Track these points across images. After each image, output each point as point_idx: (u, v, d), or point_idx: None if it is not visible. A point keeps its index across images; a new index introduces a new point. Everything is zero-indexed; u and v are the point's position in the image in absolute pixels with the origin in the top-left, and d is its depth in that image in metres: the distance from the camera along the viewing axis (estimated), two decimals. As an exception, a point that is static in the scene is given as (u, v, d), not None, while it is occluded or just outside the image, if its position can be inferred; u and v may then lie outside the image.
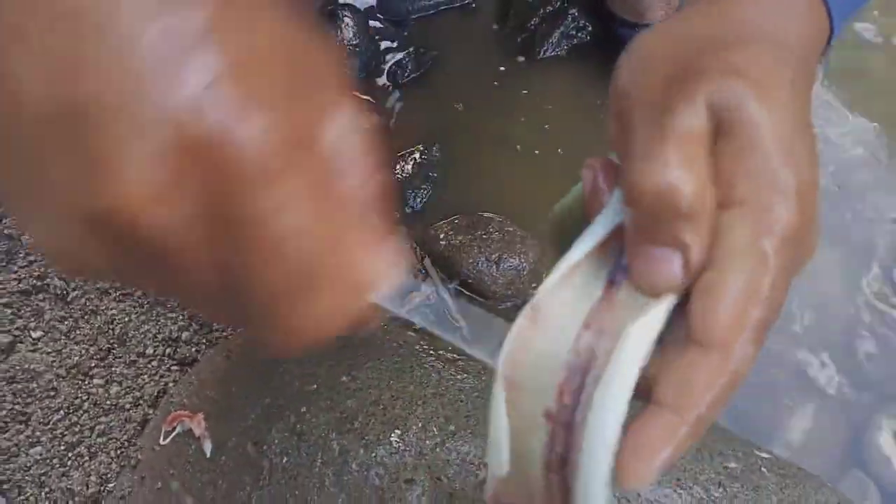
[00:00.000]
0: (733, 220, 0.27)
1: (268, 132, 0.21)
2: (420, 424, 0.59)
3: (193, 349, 0.77)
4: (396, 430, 0.59)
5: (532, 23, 1.00)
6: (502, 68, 0.99)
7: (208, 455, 0.64)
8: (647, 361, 0.26)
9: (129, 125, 0.20)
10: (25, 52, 0.20)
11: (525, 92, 0.96)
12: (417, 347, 0.69)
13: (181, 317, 0.78)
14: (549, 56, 0.99)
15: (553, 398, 0.27)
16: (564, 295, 0.29)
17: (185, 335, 0.77)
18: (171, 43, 0.20)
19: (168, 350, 0.77)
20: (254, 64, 0.21)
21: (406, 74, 0.98)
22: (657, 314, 0.27)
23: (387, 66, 1.00)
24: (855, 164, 0.92)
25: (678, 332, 0.27)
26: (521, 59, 0.99)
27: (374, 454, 0.58)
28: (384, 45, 1.02)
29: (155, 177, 0.20)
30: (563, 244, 0.31)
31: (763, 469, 0.62)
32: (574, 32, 0.98)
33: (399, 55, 1.00)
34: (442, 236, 0.86)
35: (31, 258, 0.79)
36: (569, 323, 0.28)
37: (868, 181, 0.90)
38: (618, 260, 0.29)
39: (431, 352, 0.68)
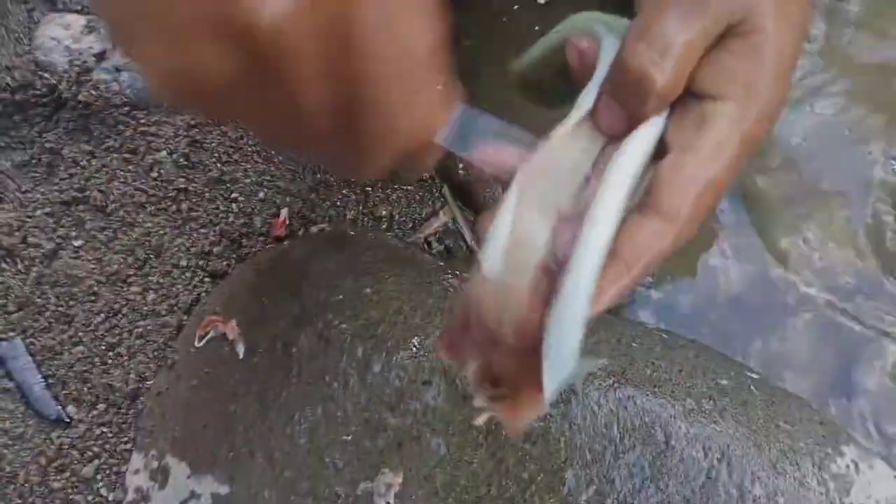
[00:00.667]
0: (719, 112, 0.32)
1: None
2: (438, 333, 0.64)
3: (224, 263, 0.82)
4: (416, 338, 0.64)
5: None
6: (515, 6, 1.01)
7: (241, 356, 0.70)
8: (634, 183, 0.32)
9: None
10: None
11: (537, 28, 0.98)
12: (435, 267, 0.73)
13: (213, 232, 0.83)
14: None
15: (555, 219, 0.32)
16: (573, 145, 0.34)
17: (216, 250, 0.82)
18: None
19: (201, 262, 0.82)
20: None
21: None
22: (636, 150, 0.33)
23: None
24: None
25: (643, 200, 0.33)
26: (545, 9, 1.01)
27: (394, 358, 0.64)
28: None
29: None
30: (543, 93, 0.37)
31: (752, 387, 0.67)
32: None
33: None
34: (460, 167, 0.90)
35: (72, 171, 0.84)
36: (578, 164, 0.33)
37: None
38: None
39: (448, 271, 0.72)
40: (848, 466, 0.64)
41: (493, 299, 0.33)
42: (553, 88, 0.37)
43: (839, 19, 0.91)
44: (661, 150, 0.34)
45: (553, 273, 0.32)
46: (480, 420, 0.37)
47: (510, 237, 0.33)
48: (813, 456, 0.63)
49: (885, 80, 0.88)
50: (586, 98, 0.35)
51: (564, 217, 0.32)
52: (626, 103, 0.33)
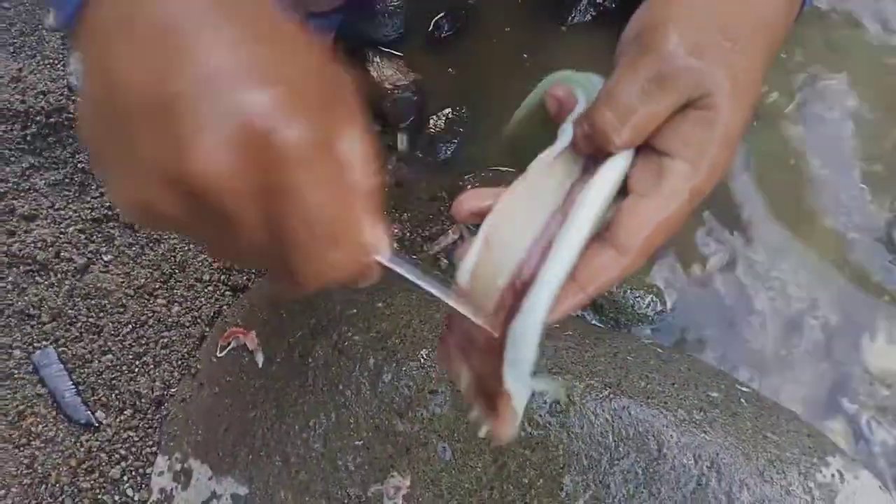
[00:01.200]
0: (674, 169, 0.38)
1: (303, 130, 0.29)
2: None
3: (244, 278, 0.87)
4: (424, 350, 0.68)
5: (566, -13, 1.06)
6: (532, 32, 1.06)
7: (260, 365, 0.74)
8: (599, 212, 0.38)
9: (205, 117, 0.28)
10: (127, 55, 0.28)
11: (553, 56, 1.03)
12: (445, 282, 0.78)
13: (234, 248, 0.88)
14: (577, 22, 1.05)
15: (526, 246, 0.38)
16: (548, 179, 0.39)
17: (237, 266, 0.87)
18: (239, 65, 0.28)
19: (222, 277, 0.86)
20: (297, 85, 0.30)
21: (442, 34, 1.05)
22: (607, 178, 0.38)
23: (424, 26, 1.07)
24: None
25: (603, 232, 0.39)
26: (551, 23, 1.06)
27: (403, 368, 0.68)
28: (423, 5, 1.09)
29: (222, 155, 0.28)
30: (528, 142, 0.43)
31: (742, 400, 0.71)
32: (600, 1, 1.05)
33: (437, 15, 1.07)
34: (469, 188, 0.95)
35: (102, 190, 0.89)
36: (549, 199, 0.39)
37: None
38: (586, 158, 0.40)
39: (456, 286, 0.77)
40: (833, 476, 0.67)
41: (466, 312, 0.39)
42: (538, 138, 0.43)
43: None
44: (623, 190, 0.40)
45: (517, 291, 0.37)
46: (482, 433, 0.41)
47: (481, 258, 0.39)
48: (799, 465, 0.67)
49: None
50: (562, 137, 0.40)
51: (535, 240, 0.38)
52: (591, 147, 0.39)
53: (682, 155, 0.38)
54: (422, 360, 0.68)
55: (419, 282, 0.40)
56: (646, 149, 0.39)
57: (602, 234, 0.39)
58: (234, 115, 0.28)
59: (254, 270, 0.87)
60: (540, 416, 0.66)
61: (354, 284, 0.36)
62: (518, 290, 0.37)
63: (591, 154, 0.40)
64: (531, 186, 0.40)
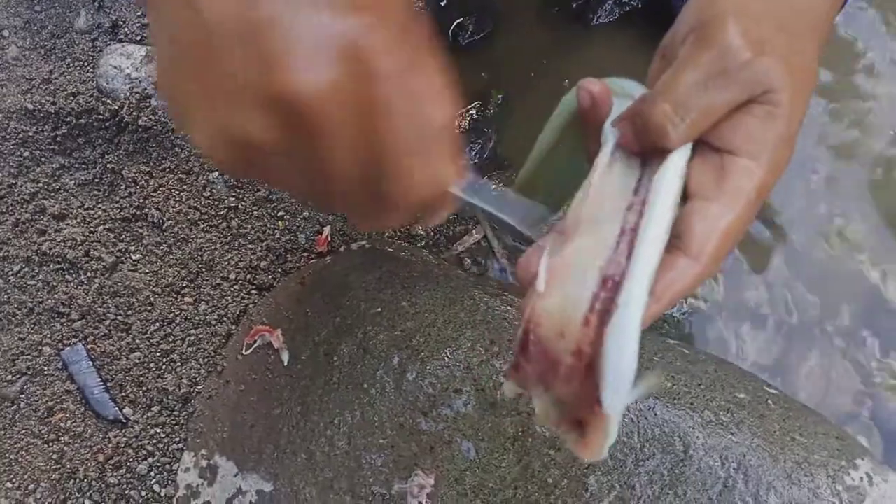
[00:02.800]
0: (737, 166, 0.37)
1: (396, 49, 0.30)
2: (468, 345, 0.69)
3: (270, 277, 0.87)
4: (448, 349, 0.69)
5: (587, -11, 1.06)
6: (557, 33, 1.05)
7: (285, 363, 0.75)
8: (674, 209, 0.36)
9: (300, 37, 0.29)
10: None
11: (578, 57, 1.03)
12: (467, 283, 0.78)
13: (260, 248, 0.88)
14: (602, 23, 1.05)
15: (605, 257, 0.36)
16: (611, 178, 0.38)
17: (262, 264, 0.88)
18: None
19: (248, 276, 0.87)
20: (386, 12, 0.31)
21: (467, 36, 1.06)
22: (671, 174, 0.37)
23: (449, 28, 1.07)
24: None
25: (672, 240, 0.37)
26: (576, 24, 1.06)
27: (428, 367, 0.68)
28: (447, 7, 1.09)
29: (319, 72, 0.29)
30: (558, 173, 0.42)
31: (769, 402, 0.70)
32: (627, 1, 1.04)
33: (460, 17, 1.07)
34: (493, 189, 0.95)
35: (131, 190, 0.90)
36: (621, 193, 0.38)
37: None
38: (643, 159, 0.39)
39: (479, 286, 0.77)
40: (862, 479, 0.67)
41: (551, 320, 0.36)
42: (569, 165, 0.42)
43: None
44: (683, 195, 0.38)
45: (608, 290, 0.35)
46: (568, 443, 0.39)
47: (565, 260, 0.36)
48: (827, 468, 0.66)
49: None
50: (606, 145, 0.39)
51: (614, 243, 0.36)
52: (642, 144, 0.38)
53: (745, 151, 0.37)
54: (446, 359, 0.68)
55: (498, 214, 0.39)
56: (703, 148, 0.38)
57: (672, 242, 0.37)
58: (330, 34, 0.29)
59: (279, 269, 0.88)
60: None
61: (432, 215, 0.37)
62: (609, 289, 0.35)
63: (642, 156, 0.39)
64: (593, 202, 0.38)
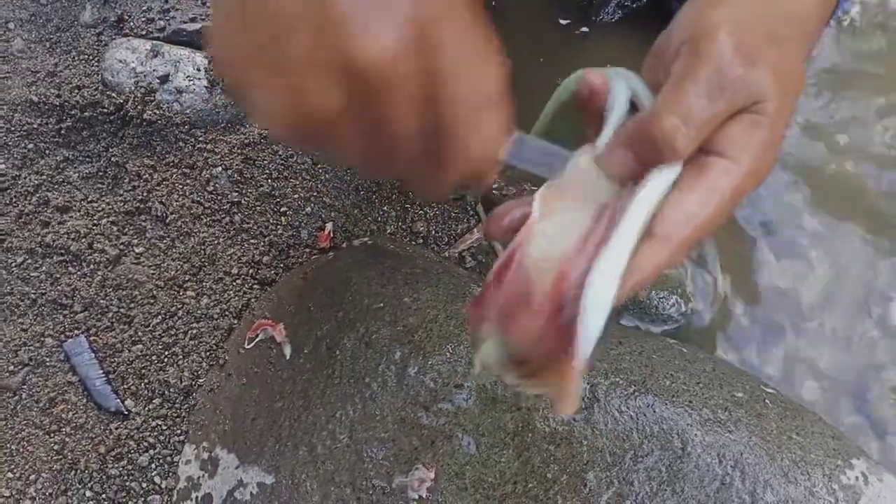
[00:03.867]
0: (717, 167, 0.39)
1: (459, 22, 0.33)
2: (470, 340, 0.69)
3: (272, 272, 0.88)
4: (450, 344, 0.69)
5: (590, -11, 1.07)
6: (559, 32, 1.06)
7: (287, 357, 0.75)
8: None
9: (368, 6, 0.30)
10: None
11: (579, 55, 1.04)
12: (469, 280, 0.78)
13: (262, 243, 0.89)
14: (605, 21, 1.06)
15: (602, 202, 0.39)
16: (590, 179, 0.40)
17: (265, 259, 0.88)
18: None
19: (251, 271, 0.88)
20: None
21: (469, 35, 1.06)
22: (655, 188, 0.38)
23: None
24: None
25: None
26: (577, 22, 1.07)
27: (430, 362, 0.69)
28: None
29: (386, 39, 0.31)
30: (566, 129, 0.43)
31: (767, 401, 0.71)
32: (629, 2, 1.05)
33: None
34: (494, 185, 0.95)
35: (135, 184, 0.91)
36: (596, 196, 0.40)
37: None
38: None
39: (480, 283, 0.77)
40: (857, 478, 0.67)
41: (540, 244, 0.38)
42: (566, 139, 0.43)
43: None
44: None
45: (604, 225, 0.38)
46: (531, 391, 0.40)
47: (563, 193, 0.39)
48: (823, 467, 0.67)
49: None
50: (604, 131, 0.41)
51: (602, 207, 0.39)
52: (642, 157, 0.39)
53: (728, 154, 0.39)
54: (448, 355, 0.69)
55: (538, 173, 0.40)
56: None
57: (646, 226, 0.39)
58: (396, 2, 0.31)
59: (281, 264, 0.88)
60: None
61: (481, 180, 0.38)
62: (604, 221, 0.38)
63: (625, 175, 0.40)
64: (574, 186, 0.40)
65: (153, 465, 0.79)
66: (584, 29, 1.06)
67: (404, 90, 0.32)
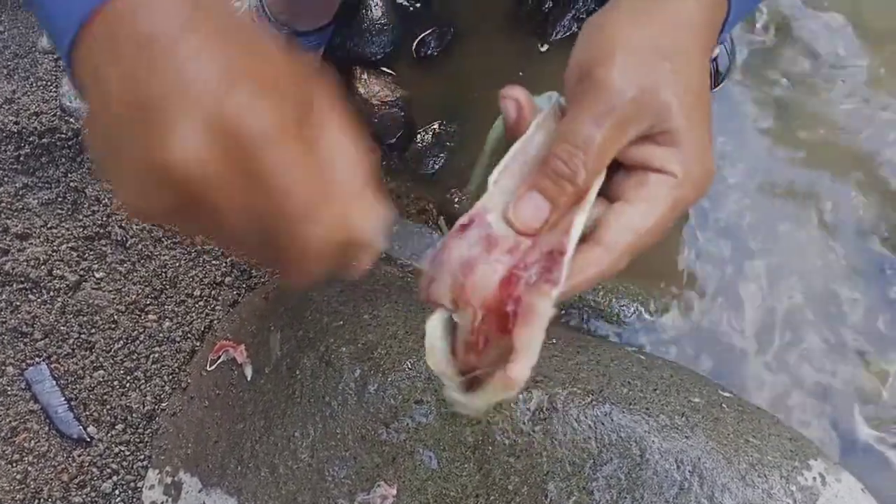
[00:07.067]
0: (657, 181, 0.40)
1: (268, 117, 0.31)
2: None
3: (235, 292, 0.88)
4: (409, 360, 0.69)
5: (547, 5, 1.08)
6: (516, 48, 1.07)
7: (249, 378, 0.75)
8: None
9: (178, 113, 0.30)
10: (113, 67, 0.31)
11: (538, 71, 1.05)
12: (430, 295, 0.79)
13: (224, 264, 0.89)
14: (561, 38, 1.07)
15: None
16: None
17: (227, 280, 0.88)
18: (209, 66, 0.31)
19: (213, 292, 0.88)
20: (265, 81, 0.32)
21: (429, 51, 1.07)
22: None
23: (412, 43, 1.08)
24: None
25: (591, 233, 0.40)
26: (536, 39, 1.08)
27: (389, 379, 0.69)
28: (410, 22, 1.11)
29: (196, 145, 0.30)
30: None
31: (724, 405, 0.71)
32: (584, 16, 1.07)
33: (423, 33, 1.09)
34: (456, 200, 0.96)
35: (94, 208, 0.91)
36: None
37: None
38: None
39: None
40: (815, 479, 0.68)
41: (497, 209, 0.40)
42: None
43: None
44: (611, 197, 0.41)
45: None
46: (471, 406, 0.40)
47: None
48: (781, 468, 0.67)
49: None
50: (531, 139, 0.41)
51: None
52: (549, 193, 0.39)
53: (664, 169, 0.40)
54: (407, 370, 0.69)
55: (411, 261, 0.40)
56: (629, 166, 0.41)
57: (589, 234, 0.40)
58: (204, 107, 0.30)
59: (244, 285, 0.88)
60: (524, 423, 0.67)
61: (348, 269, 0.37)
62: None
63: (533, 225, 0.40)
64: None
65: (117, 492, 0.78)
66: (545, 48, 1.07)
67: (223, 195, 0.31)
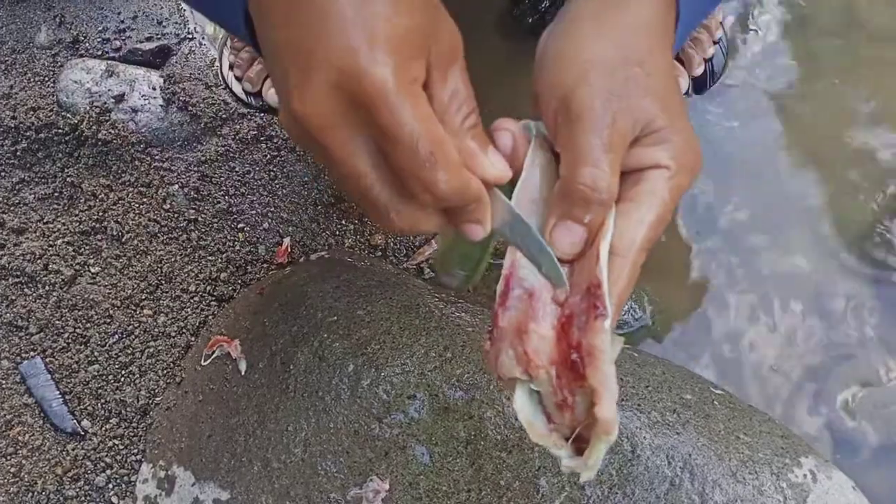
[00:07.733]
0: (652, 175, 0.41)
1: (389, 73, 0.33)
2: (423, 351, 0.70)
3: (230, 288, 0.88)
4: (402, 355, 0.70)
5: (542, 5, 1.09)
6: (513, 48, 1.08)
7: (243, 373, 0.75)
8: None
9: (308, 66, 0.34)
10: (273, 17, 0.35)
11: (527, 74, 1.05)
12: (424, 291, 0.79)
13: (219, 260, 0.89)
14: (558, 37, 1.07)
15: None
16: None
17: (223, 276, 0.88)
18: (350, 18, 0.33)
19: (208, 288, 0.88)
20: (398, 38, 0.34)
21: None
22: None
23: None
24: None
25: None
26: (533, 39, 1.08)
27: (382, 374, 0.69)
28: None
29: (322, 98, 0.34)
30: (467, 257, 0.45)
31: (715, 402, 0.72)
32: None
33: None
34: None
35: (90, 204, 0.91)
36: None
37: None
38: None
39: (436, 295, 0.78)
40: (805, 476, 0.69)
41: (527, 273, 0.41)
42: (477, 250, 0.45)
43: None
44: None
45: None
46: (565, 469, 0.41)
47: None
48: (771, 465, 0.68)
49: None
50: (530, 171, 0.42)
51: None
52: (578, 217, 0.40)
53: (658, 164, 0.40)
54: (400, 366, 0.69)
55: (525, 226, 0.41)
56: (623, 173, 0.42)
57: None
58: (337, 65, 0.33)
59: (239, 280, 0.88)
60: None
61: (469, 213, 0.39)
62: None
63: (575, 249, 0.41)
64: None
65: (110, 486, 0.79)
66: (532, 49, 1.07)
67: (348, 146, 0.35)
